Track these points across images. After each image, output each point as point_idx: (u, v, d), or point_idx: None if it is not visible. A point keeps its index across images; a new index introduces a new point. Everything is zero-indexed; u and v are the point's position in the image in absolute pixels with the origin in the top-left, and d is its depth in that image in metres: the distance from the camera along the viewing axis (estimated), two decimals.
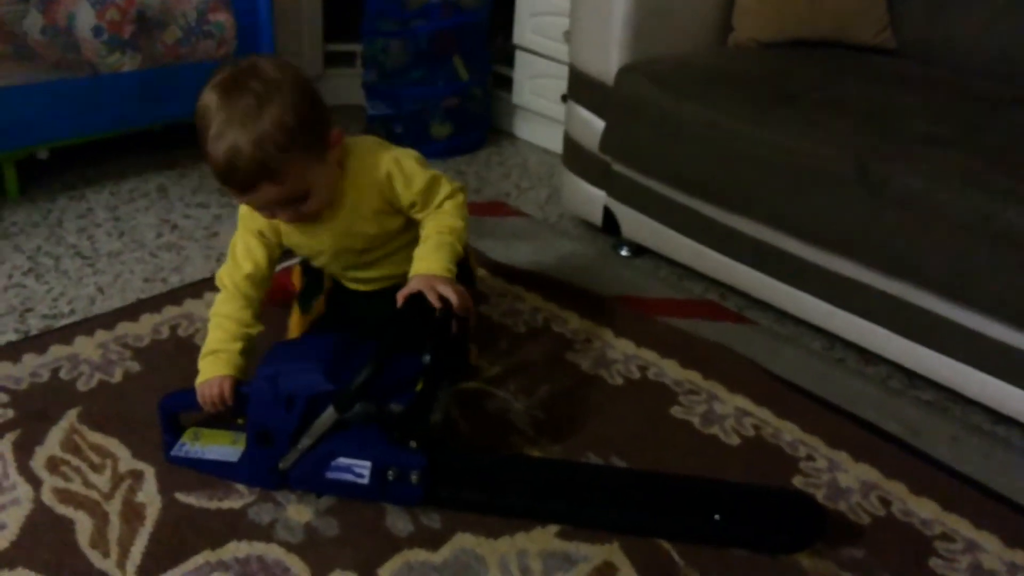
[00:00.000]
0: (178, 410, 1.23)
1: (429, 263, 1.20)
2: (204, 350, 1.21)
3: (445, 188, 1.27)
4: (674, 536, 1.15)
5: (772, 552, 1.14)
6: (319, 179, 1.16)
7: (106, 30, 1.92)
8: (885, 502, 1.25)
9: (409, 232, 1.31)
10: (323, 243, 1.28)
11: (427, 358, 1.11)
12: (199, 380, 1.19)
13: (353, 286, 1.40)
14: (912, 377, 1.55)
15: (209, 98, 1.10)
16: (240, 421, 1.21)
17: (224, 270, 1.26)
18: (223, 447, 1.22)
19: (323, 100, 1.17)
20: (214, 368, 1.19)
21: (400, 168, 1.23)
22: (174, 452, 1.22)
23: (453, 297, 1.16)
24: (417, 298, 1.15)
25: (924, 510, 1.24)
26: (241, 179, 1.10)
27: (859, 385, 1.52)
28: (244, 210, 1.25)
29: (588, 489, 1.19)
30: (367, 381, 1.07)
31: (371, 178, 1.23)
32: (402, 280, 1.25)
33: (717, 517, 1.14)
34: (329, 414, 1.11)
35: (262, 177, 1.09)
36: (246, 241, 1.26)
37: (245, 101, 1.07)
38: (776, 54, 1.87)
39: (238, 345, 1.21)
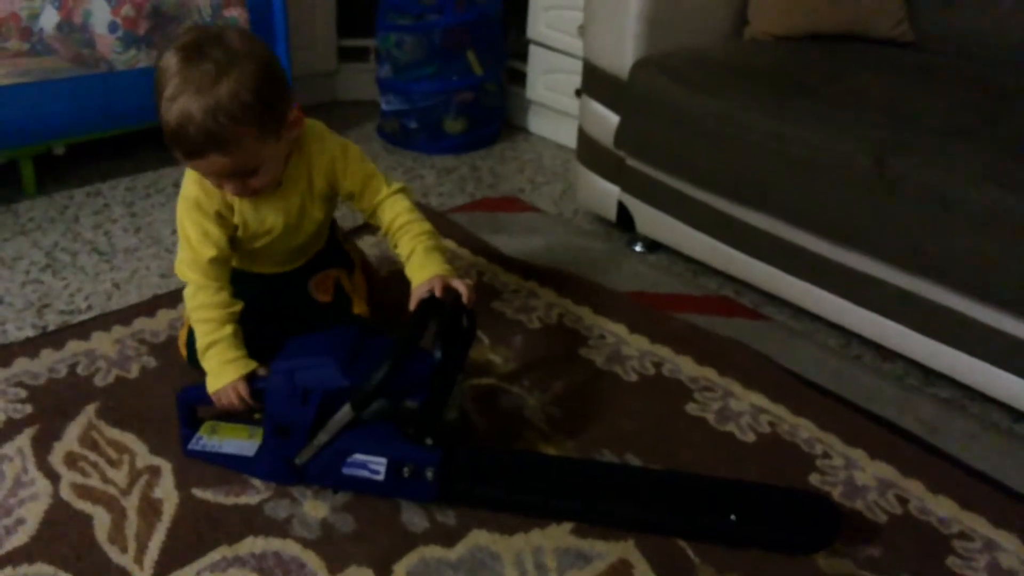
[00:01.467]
0: (195, 404, 1.24)
1: (431, 269, 1.23)
2: (200, 347, 1.20)
3: (384, 186, 1.30)
4: (690, 536, 1.14)
5: (789, 552, 1.13)
6: (270, 156, 1.16)
7: (121, 26, 1.92)
8: (902, 500, 1.24)
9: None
10: (277, 219, 1.27)
11: (438, 354, 1.11)
12: (209, 384, 1.19)
13: (271, 269, 1.39)
14: (929, 374, 1.54)
15: (170, 59, 1.08)
16: (257, 416, 1.21)
17: (183, 262, 1.23)
18: (240, 441, 1.22)
19: (285, 79, 1.16)
20: (221, 373, 1.18)
21: (345, 153, 1.27)
22: (191, 445, 1.23)
23: (463, 290, 1.20)
24: (429, 300, 1.18)
25: (942, 508, 1.23)
26: (190, 145, 1.08)
27: (876, 382, 1.51)
28: (199, 196, 1.21)
29: (603, 487, 1.19)
30: (384, 380, 1.07)
31: (320, 160, 1.26)
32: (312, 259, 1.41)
33: (733, 517, 1.13)
34: (346, 412, 1.11)
35: (210, 146, 1.08)
36: (203, 227, 1.22)
37: (204, 68, 1.06)
38: (792, 47, 1.85)
39: (229, 329, 1.20)
